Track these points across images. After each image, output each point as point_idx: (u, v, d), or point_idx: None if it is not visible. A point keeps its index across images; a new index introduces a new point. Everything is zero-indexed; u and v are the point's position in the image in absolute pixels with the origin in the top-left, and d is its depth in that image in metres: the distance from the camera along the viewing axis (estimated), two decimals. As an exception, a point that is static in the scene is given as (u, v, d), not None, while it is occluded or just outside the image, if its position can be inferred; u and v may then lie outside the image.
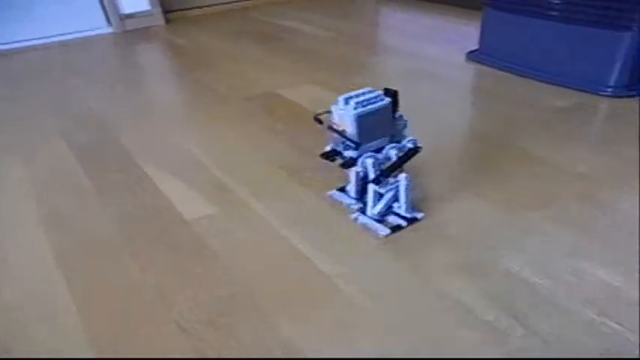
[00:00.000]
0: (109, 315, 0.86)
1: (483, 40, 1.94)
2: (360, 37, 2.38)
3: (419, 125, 1.12)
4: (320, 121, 0.96)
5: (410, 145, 1.00)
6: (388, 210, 1.03)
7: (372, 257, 0.94)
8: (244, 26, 2.69)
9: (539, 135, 1.36)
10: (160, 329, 0.82)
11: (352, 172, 1.05)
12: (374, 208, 1.02)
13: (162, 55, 2.38)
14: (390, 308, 0.83)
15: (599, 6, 1.55)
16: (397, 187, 1.01)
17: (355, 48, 2.21)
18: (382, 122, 0.97)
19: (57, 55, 2.43)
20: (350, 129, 0.94)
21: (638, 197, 1.07)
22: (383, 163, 0.98)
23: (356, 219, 1.04)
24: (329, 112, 0.97)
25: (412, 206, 1.03)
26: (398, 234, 1.00)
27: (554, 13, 1.68)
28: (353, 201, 1.09)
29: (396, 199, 1.02)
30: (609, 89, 1.61)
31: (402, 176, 0.99)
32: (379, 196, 1.02)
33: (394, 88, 0.98)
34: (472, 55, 1.97)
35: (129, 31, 2.72)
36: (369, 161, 0.97)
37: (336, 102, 0.96)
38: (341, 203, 1.10)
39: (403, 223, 1.02)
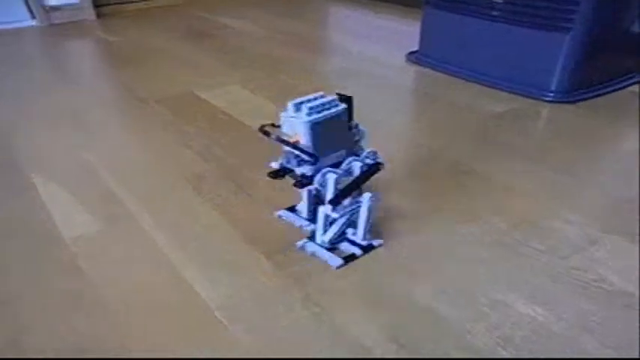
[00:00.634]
0: None
1: (423, 40, 1.83)
2: (300, 36, 2.25)
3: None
4: (266, 133, 0.82)
5: (369, 161, 0.86)
6: (341, 237, 0.89)
7: (270, 289, 0.81)
8: (180, 22, 2.52)
9: (474, 143, 1.26)
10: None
11: (304, 190, 0.90)
12: (324, 235, 0.88)
13: (85, 53, 2.20)
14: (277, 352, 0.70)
15: (540, 6, 1.46)
16: (355, 209, 0.87)
17: (291, 47, 2.08)
18: (339, 132, 0.84)
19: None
20: (304, 140, 0.80)
21: (568, 217, 0.97)
22: (342, 182, 0.84)
23: (303, 247, 0.89)
24: (276, 125, 0.84)
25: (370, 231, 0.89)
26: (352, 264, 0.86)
27: (495, 13, 1.59)
28: (305, 222, 0.94)
29: (350, 224, 0.88)
30: (550, 94, 1.52)
31: (366, 196, 0.84)
32: (331, 221, 0.88)
33: (346, 94, 0.85)
34: (412, 56, 1.87)
35: (55, 25, 2.52)
36: (332, 177, 0.82)
37: (285, 109, 0.82)
38: (292, 225, 0.96)
39: (358, 251, 0.87)
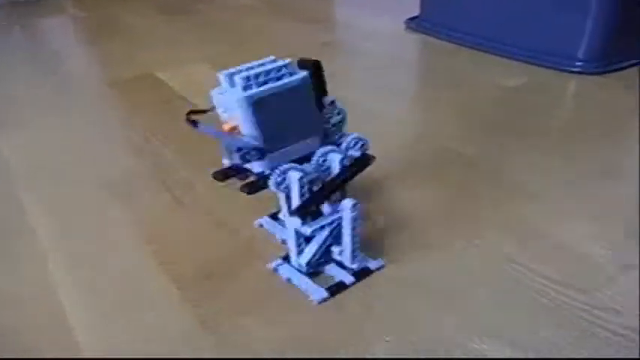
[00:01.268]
0: None
1: (424, 3, 1.56)
2: (290, 6, 1.99)
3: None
4: (194, 123, 0.56)
5: (355, 153, 0.62)
6: (323, 257, 0.64)
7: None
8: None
9: (483, 128, 1.00)
10: None
11: (280, 194, 0.61)
12: (300, 257, 0.64)
13: (49, 30, 1.98)
14: None
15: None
16: (336, 221, 0.62)
17: (278, 18, 1.83)
18: (300, 112, 0.58)
19: None
20: (245, 126, 0.56)
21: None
22: (317, 179, 0.60)
23: (276, 269, 0.65)
24: (208, 110, 0.60)
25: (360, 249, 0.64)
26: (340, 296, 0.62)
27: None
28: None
29: (335, 239, 0.63)
30: (577, 64, 1.24)
31: (346, 203, 0.60)
32: (306, 238, 0.63)
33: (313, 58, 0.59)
34: (412, 23, 1.59)
35: (25, 1, 2.31)
36: (295, 176, 0.57)
37: (218, 83, 0.58)
38: (270, 237, 0.72)
39: (348, 279, 0.63)
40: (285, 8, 1.96)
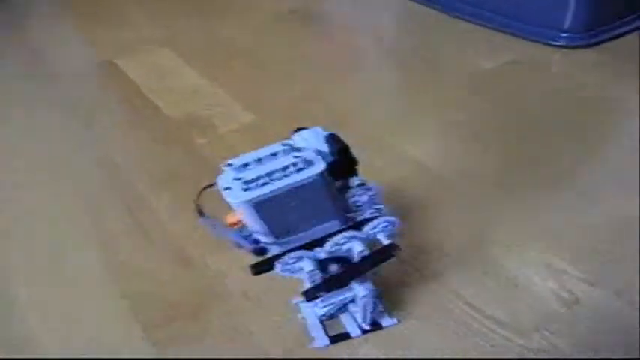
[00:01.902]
0: None
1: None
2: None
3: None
4: (200, 212, 0.50)
5: (382, 239, 0.56)
6: (340, 310, 0.64)
7: None
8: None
9: (463, 126, 0.96)
10: None
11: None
12: (318, 308, 0.63)
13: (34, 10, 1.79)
14: None
15: None
16: (346, 299, 0.62)
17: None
18: (312, 204, 0.52)
19: None
20: (249, 222, 0.51)
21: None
22: (329, 265, 0.56)
23: (297, 306, 0.66)
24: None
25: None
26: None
27: None
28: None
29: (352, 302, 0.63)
30: (562, 36, 1.17)
31: (361, 289, 0.58)
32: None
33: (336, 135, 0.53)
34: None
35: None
36: (307, 266, 0.54)
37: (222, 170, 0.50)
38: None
39: (356, 332, 0.64)
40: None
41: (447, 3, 1.33)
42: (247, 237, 0.52)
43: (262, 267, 0.55)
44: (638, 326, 0.61)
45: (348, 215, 0.56)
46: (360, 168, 0.54)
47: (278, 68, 1.21)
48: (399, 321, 0.64)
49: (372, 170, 0.61)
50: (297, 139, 0.52)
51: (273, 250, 0.54)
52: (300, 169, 0.48)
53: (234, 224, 0.52)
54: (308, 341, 0.62)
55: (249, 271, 0.55)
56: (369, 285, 0.58)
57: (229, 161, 0.49)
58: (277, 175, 0.48)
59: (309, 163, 0.49)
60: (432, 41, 1.24)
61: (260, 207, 0.48)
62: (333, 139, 0.52)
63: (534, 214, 0.78)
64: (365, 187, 0.55)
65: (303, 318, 0.65)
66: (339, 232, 0.55)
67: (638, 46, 1.13)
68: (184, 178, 0.89)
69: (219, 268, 0.72)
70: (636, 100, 0.97)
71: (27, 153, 1.02)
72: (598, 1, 1.14)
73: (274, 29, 1.38)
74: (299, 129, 0.54)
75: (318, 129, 0.53)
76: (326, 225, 0.54)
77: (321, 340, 0.63)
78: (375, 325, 0.64)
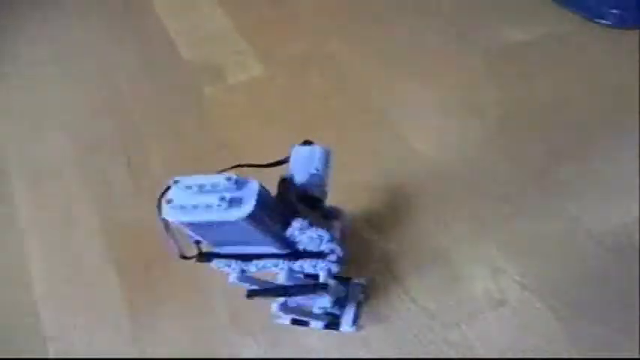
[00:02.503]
0: None
1: None
2: None
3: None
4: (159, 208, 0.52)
5: (321, 277, 0.61)
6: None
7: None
8: None
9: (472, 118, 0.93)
10: None
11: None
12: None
13: None
14: None
15: None
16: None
17: None
18: (241, 235, 0.53)
19: None
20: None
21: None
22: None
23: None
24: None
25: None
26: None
27: None
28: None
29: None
30: (610, 15, 1.05)
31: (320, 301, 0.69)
32: None
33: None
34: None
35: None
36: (232, 275, 0.60)
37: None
38: None
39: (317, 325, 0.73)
40: None
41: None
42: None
43: (203, 258, 0.61)
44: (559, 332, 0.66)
45: (289, 243, 0.58)
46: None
47: (306, 20, 1.18)
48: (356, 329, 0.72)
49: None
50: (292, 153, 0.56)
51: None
52: (226, 208, 0.48)
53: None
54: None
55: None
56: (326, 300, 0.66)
57: (177, 178, 0.51)
58: (200, 210, 0.49)
59: (238, 203, 0.49)
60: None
61: (187, 226, 0.53)
62: (282, 181, 0.54)
63: (503, 216, 0.80)
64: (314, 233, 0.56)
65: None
66: (272, 255, 0.59)
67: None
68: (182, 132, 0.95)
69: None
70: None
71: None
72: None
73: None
74: (306, 142, 0.57)
75: (317, 148, 0.56)
76: (262, 247, 0.58)
77: (284, 318, 0.72)
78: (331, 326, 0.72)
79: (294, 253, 0.59)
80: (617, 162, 0.84)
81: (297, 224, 0.55)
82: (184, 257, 0.58)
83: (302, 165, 0.56)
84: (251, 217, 0.49)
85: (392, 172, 0.87)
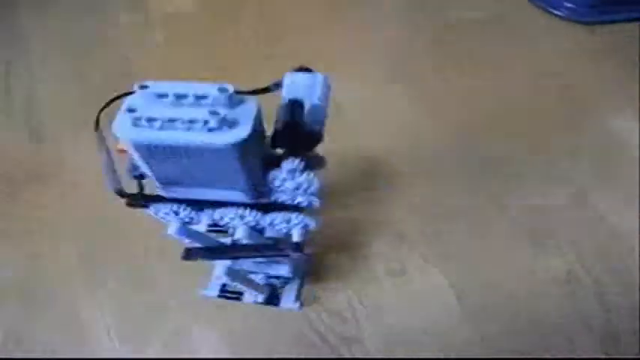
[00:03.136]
0: None
1: None
2: None
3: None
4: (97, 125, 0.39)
5: (295, 235, 0.46)
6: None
7: None
8: None
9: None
10: None
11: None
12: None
13: None
14: None
15: None
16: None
17: None
18: (213, 170, 0.39)
19: None
20: (135, 158, 0.39)
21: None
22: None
23: None
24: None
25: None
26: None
27: None
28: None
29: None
30: (564, 8, 1.03)
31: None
32: None
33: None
34: None
35: None
36: (173, 228, 0.47)
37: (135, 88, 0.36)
38: None
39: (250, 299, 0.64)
40: None
41: None
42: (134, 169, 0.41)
43: (137, 201, 0.45)
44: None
45: (262, 191, 0.43)
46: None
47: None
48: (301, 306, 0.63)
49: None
50: (287, 80, 0.39)
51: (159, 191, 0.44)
52: (211, 129, 0.34)
53: (122, 152, 0.39)
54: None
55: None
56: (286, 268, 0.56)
57: (146, 82, 0.35)
58: (179, 124, 0.34)
59: (231, 124, 0.34)
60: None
61: (143, 150, 0.37)
62: (293, 106, 0.37)
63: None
64: (301, 173, 0.41)
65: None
66: (237, 205, 0.44)
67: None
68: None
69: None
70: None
71: None
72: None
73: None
74: (301, 68, 0.40)
75: (319, 76, 0.39)
76: (225, 192, 0.43)
77: (212, 290, 0.63)
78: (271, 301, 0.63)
79: (270, 204, 0.44)
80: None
81: (288, 165, 0.40)
82: (122, 195, 0.41)
83: (301, 95, 0.41)
84: (242, 145, 0.35)
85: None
